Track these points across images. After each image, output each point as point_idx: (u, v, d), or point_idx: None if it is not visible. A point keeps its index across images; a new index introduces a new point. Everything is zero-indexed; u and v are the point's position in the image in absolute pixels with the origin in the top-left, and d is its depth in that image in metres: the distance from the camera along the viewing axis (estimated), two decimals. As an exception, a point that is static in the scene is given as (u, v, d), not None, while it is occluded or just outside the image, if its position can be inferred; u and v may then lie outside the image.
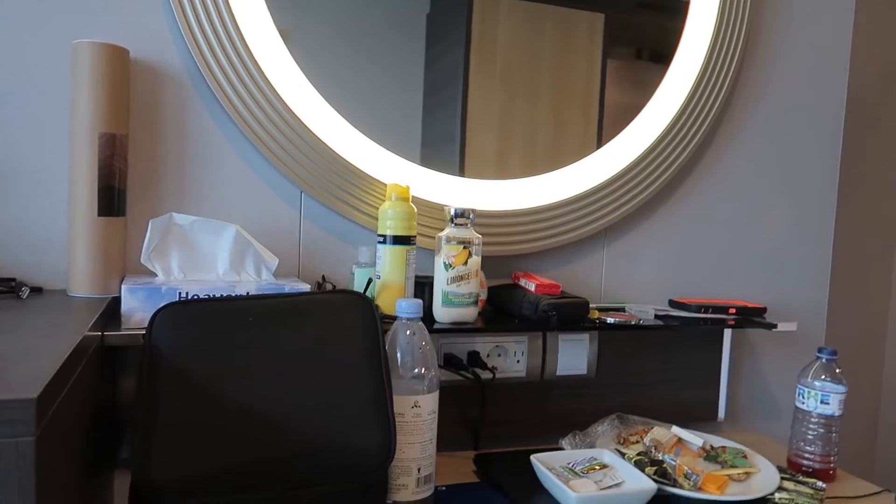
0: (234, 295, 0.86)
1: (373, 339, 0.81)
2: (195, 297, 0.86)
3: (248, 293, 0.88)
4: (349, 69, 1.06)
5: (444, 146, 1.12)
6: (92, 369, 0.74)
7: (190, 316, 0.76)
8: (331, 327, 0.80)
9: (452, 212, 0.99)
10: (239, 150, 1.03)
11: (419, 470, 0.85)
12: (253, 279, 0.94)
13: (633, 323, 1.07)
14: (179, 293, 0.86)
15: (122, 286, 0.85)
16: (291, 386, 0.75)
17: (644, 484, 0.86)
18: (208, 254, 0.94)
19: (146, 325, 0.75)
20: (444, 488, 0.90)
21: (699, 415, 1.26)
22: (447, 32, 1.11)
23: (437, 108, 1.11)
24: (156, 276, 0.92)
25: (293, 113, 1.02)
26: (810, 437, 1.05)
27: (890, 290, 1.80)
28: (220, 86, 0.98)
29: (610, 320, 1.06)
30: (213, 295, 0.87)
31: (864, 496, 1.00)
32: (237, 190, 1.03)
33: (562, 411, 1.16)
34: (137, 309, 0.85)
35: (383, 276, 0.97)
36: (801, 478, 0.96)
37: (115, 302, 0.89)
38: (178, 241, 0.92)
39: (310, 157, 1.03)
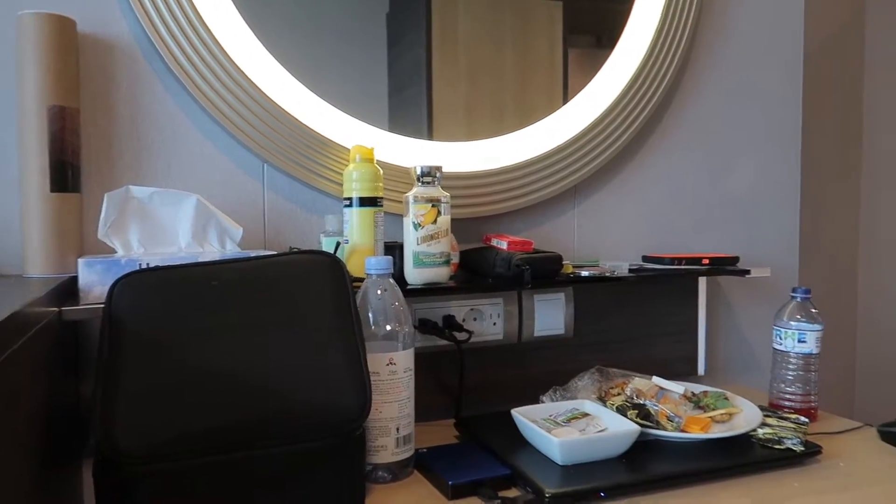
0: (196, 262, 0.83)
1: (343, 298, 0.79)
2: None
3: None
4: (307, 34, 1.04)
5: (411, 109, 1.10)
6: (48, 345, 0.71)
7: (151, 283, 0.74)
8: (299, 288, 0.78)
9: (419, 171, 0.97)
10: (196, 122, 1.00)
11: (398, 430, 0.83)
12: (217, 250, 0.91)
13: (607, 275, 1.06)
14: (140, 265, 0.83)
15: (79, 260, 0.82)
16: (260, 347, 0.73)
17: (627, 426, 0.85)
18: (169, 226, 0.91)
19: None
20: (424, 450, 0.88)
21: (679, 370, 1.26)
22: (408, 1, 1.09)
23: (402, 69, 1.09)
24: (115, 252, 0.89)
25: (251, 81, 1.00)
26: (790, 377, 1.05)
27: (858, 235, 1.82)
28: (173, 56, 0.96)
29: (584, 273, 1.05)
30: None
31: (846, 431, 1.00)
32: (196, 163, 1.01)
33: (541, 373, 1.15)
34: (96, 283, 0.82)
35: (351, 240, 0.95)
36: (783, 414, 0.96)
37: (74, 281, 0.86)
38: (137, 215, 0.89)
39: (272, 125, 1.01)
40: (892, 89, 1.76)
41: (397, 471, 0.84)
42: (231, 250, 0.92)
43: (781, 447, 0.86)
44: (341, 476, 0.72)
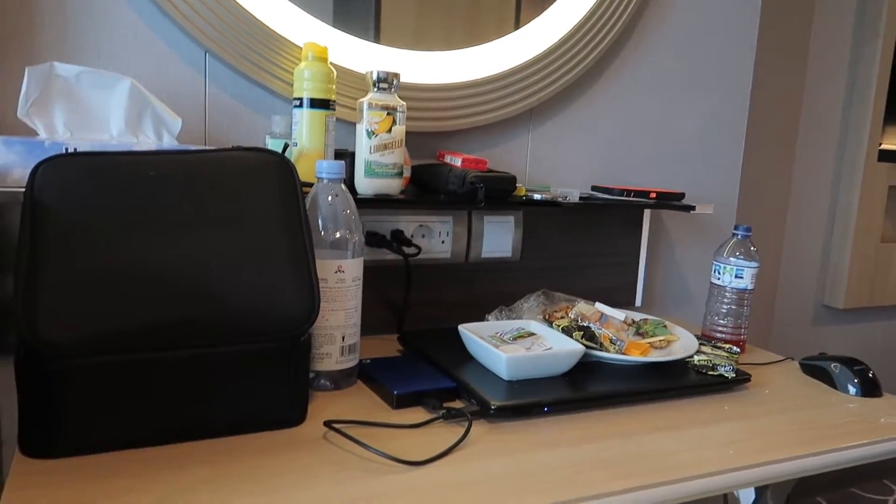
0: (130, 150, 0.76)
1: (291, 200, 0.74)
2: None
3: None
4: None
5: (357, 4, 1.04)
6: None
7: (82, 168, 0.67)
8: (244, 186, 0.72)
9: (375, 76, 0.92)
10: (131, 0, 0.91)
11: (343, 338, 0.81)
12: (152, 141, 0.84)
13: (559, 200, 1.05)
14: (66, 149, 0.76)
15: (-4, 139, 0.73)
16: (201, 244, 0.68)
17: (573, 346, 0.86)
18: (99, 112, 0.83)
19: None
20: (368, 361, 0.87)
21: (618, 299, 1.29)
22: None
23: (356, -32, 1.02)
24: (37, 135, 0.81)
25: (194, -40, 0.91)
26: (724, 310, 1.08)
27: (791, 178, 1.89)
28: (105, -80, 0.85)
29: (537, 196, 1.04)
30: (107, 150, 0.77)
31: (771, 363, 1.05)
32: (129, 47, 0.92)
33: (486, 294, 1.15)
34: (16, 164, 0.74)
35: (300, 143, 0.90)
36: (717, 343, 0.99)
37: (-10, 163, 0.77)
38: (63, 96, 0.81)
39: (215, 11, 0.92)
40: (840, 29, 1.80)
41: (341, 380, 0.82)
42: (168, 143, 0.85)
43: (715, 373, 0.89)
44: (283, 381, 0.70)
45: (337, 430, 0.69)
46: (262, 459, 0.63)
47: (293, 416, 0.71)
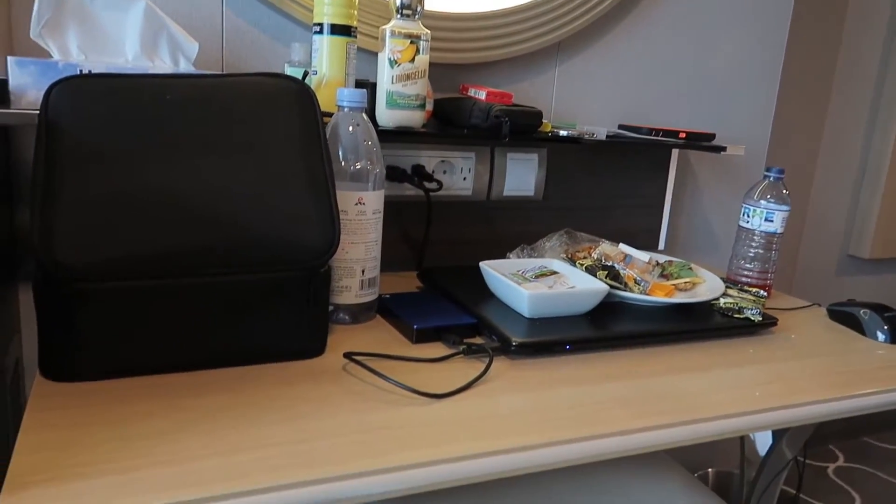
0: (146, 73, 0.74)
1: (312, 128, 0.72)
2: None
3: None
4: None
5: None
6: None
7: (97, 90, 0.64)
8: (264, 112, 0.70)
9: (398, 1, 0.88)
10: (144, -84, 0.87)
11: (363, 272, 0.80)
12: (168, 66, 0.82)
13: (585, 137, 1.02)
14: (80, 71, 0.73)
15: (9, 58, 0.71)
16: (220, 170, 0.66)
17: (596, 284, 0.84)
18: (113, 34, 0.80)
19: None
20: (387, 296, 0.86)
21: (641, 242, 1.26)
22: None
23: None
24: (50, 56, 0.78)
25: None
26: (751, 254, 1.06)
27: (824, 121, 1.83)
28: None
29: (563, 132, 1.00)
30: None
31: (797, 308, 1.03)
32: (145, -33, 0.88)
33: (507, 233, 1.13)
34: (30, 86, 0.72)
35: (320, 71, 0.87)
36: (743, 287, 0.97)
37: (3, 84, 0.75)
38: (76, 16, 0.78)
39: (231, -70, 0.88)
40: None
41: (360, 313, 0.81)
42: (185, 68, 0.82)
43: (741, 316, 0.88)
44: (303, 312, 0.69)
45: (357, 362, 0.69)
46: (282, 389, 0.63)
47: (313, 347, 0.71)
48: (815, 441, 2.01)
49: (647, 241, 1.27)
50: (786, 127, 1.75)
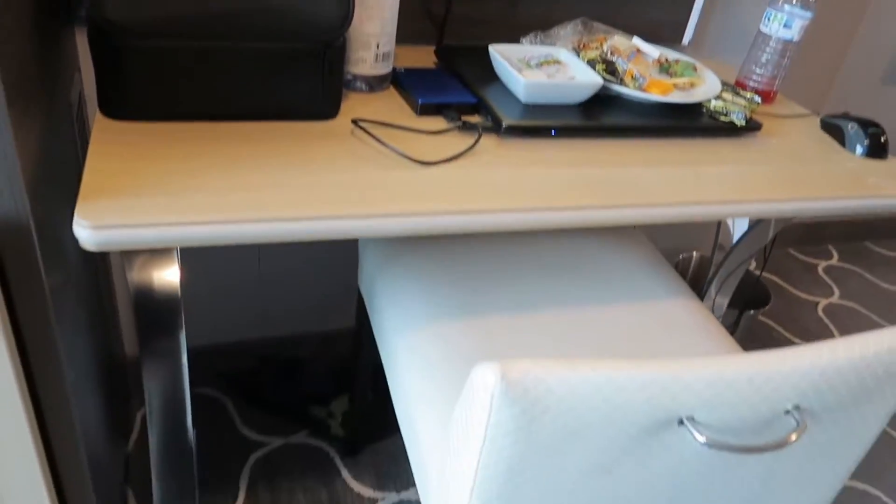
0: None
1: None
2: None
3: None
4: None
5: None
6: None
7: None
8: None
9: None
10: None
11: (378, 46, 0.87)
12: None
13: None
14: None
15: None
16: (245, -62, 0.71)
17: (591, 77, 0.90)
18: None
19: None
20: (402, 70, 0.93)
21: (665, 35, 1.27)
22: None
23: None
24: None
25: None
26: (763, 60, 1.08)
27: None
28: None
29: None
30: None
31: (790, 116, 1.07)
32: None
33: (530, 17, 1.15)
34: None
35: None
36: (741, 91, 1.01)
37: None
38: None
39: None
40: None
41: (374, 83, 0.90)
42: None
43: (726, 119, 0.94)
44: (319, 79, 0.78)
45: (362, 128, 0.79)
46: (296, 146, 0.75)
47: (327, 110, 0.81)
48: (813, 241, 2.13)
49: (669, 34, 1.27)
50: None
